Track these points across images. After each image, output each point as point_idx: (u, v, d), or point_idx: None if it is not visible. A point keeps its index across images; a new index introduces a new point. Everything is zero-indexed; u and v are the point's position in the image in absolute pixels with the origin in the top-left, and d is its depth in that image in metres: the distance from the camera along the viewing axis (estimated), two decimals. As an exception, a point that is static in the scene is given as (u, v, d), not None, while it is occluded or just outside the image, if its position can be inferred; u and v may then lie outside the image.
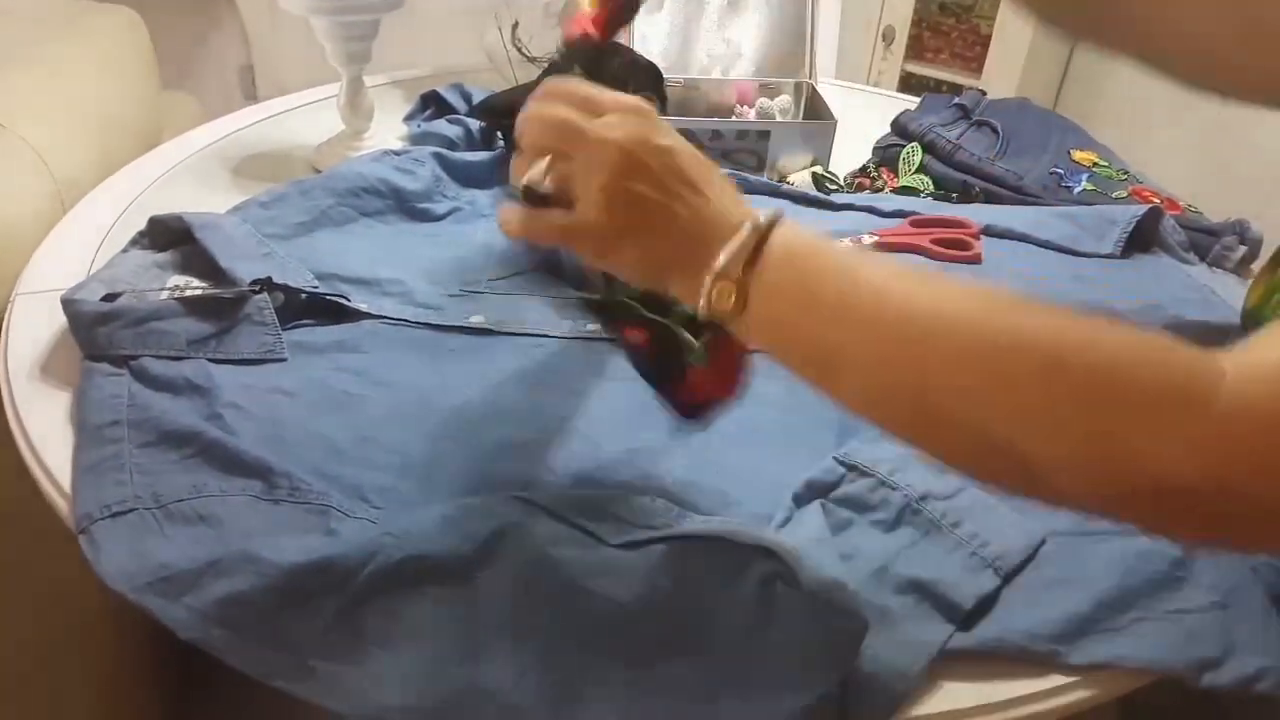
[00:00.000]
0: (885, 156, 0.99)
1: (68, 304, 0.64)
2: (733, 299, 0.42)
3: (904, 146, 0.98)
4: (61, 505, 0.54)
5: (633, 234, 0.44)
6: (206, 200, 0.83)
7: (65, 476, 0.55)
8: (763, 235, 0.43)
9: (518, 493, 0.54)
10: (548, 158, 0.45)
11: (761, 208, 0.44)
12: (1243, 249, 0.84)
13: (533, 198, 0.46)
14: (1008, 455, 0.38)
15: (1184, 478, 0.35)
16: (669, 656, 0.46)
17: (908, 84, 1.98)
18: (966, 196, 0.94)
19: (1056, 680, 0.48)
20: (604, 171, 0.44)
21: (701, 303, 0.43)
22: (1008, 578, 0.51)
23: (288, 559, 0.46)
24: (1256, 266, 0.84)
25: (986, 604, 0.50)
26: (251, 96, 2.04)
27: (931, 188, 0.95)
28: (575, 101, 0.46)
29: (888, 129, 1.03)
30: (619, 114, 0.45)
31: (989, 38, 1.85)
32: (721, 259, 0.42)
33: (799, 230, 0.44)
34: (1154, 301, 0.76)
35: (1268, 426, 0.34)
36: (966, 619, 0.49)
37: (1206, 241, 0.84)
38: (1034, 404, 0.37)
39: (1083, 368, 0.37)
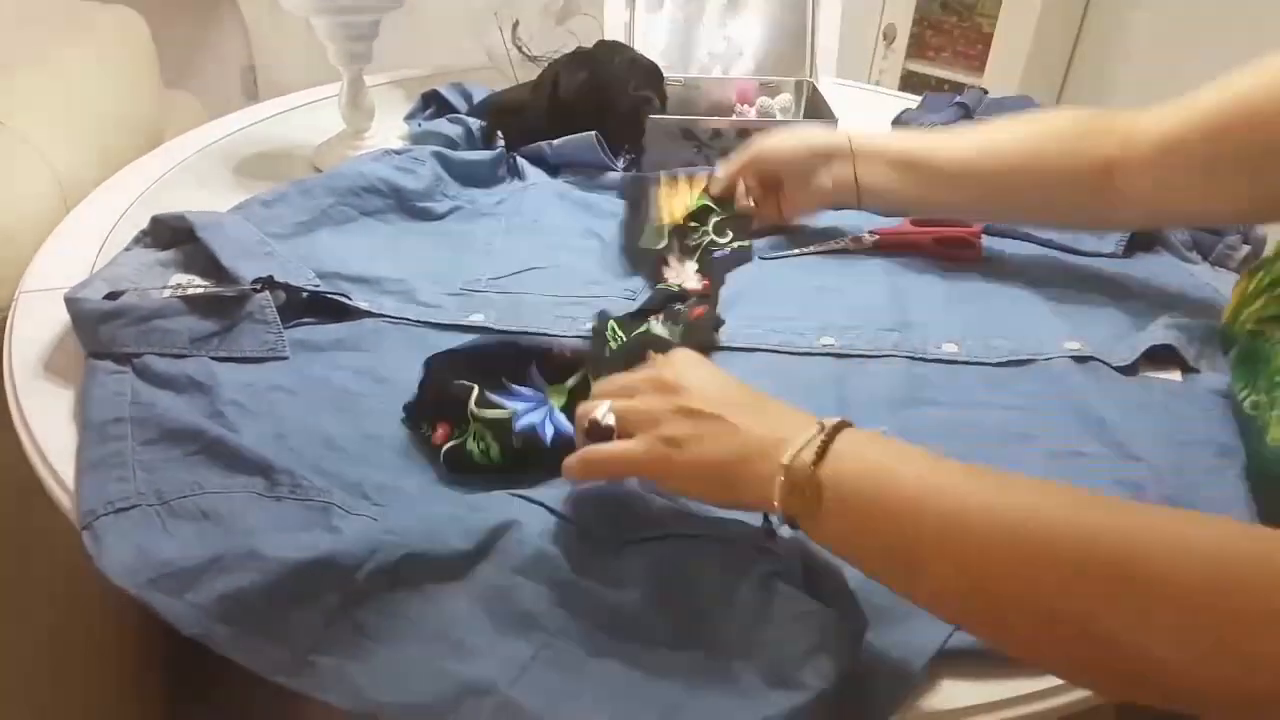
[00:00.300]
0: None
1: (71, 302, 0.65)
2: (805, 494, 0.43)
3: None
4: (65, 501, 0.54)
5: (683, 453, 0.47)
6: (208, 199, 0.83)
7: (69, 473, 0.55)
8: (830, 435, 0.44)
9: (516, 491, 0.54)
10: (609, 401, 0.50)
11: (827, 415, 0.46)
12: (1246, 248, 0.84)
13: (596, 434, 0.50)
14: (1131, 660, 0.37)
15: None
16: (667, 654, 0.46)
17: (909, 83, 1.98)
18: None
19: (1056, 679, 0.48)
20: (647, 411, 0.48)
21: (776, 501, 0.44)
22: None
23: (289, 555, 0.46)
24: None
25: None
26: (253, 96, 2.04)
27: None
28: (615, 391, 0.52)
29: (888, 128, 1.03)
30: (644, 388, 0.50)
31: (991, 36, 1.85)
32: (787, 455, 0.44)
33: (863, 431, 0.45)
34: (1154, 300, 0.76)
35: None
36: (967, 617, 0.49)
37: (1210, 240, 0.84)
38: (1154, 612, 0.36)
39: (1200, 574, 0.36)
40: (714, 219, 0.81)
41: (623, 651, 0.46)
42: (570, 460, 0.50)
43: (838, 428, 0.45)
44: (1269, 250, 0.65)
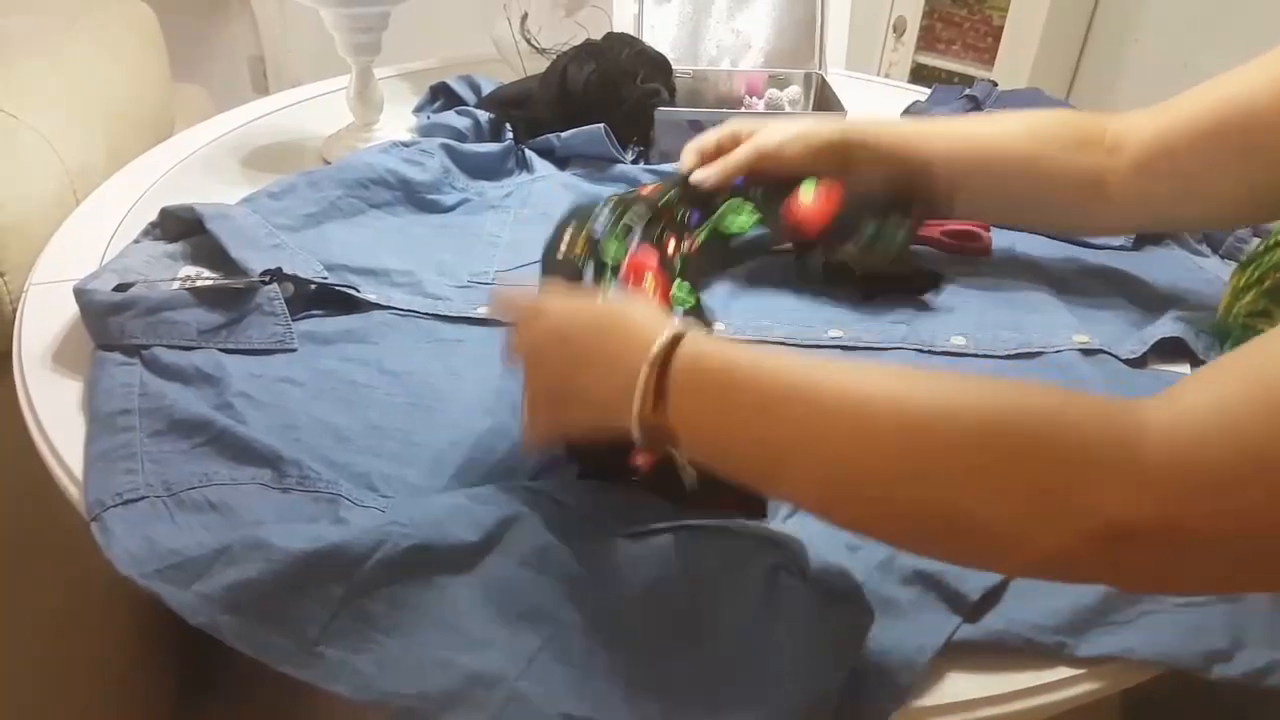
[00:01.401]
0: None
1: (80, 294, 0.65)
2: (651, 405, 0.44)
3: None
4: (73, 492, 0.55)
5: (561, 401, 0.50)
6: (217, 191, 0.84)
7: (77, 464, 0.56)
8: (666, 356, 0.45)
9: (525, 482, 0.54)
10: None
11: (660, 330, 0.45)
12: (1256, 240, 0.83)
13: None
14: (962, 527, 0.39)
15: (1126, 522, 0.36)
16: (674, 647, 0.46)
17: (919, 75, 1.97)
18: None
19: (1063, 673, 0.48)
20: (527, 361, 0.52)
21: (634, 427, 0.45)
22: (1015, 569, 0.51)
23: (296, 546, 0.46)
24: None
25: (993, 595, 0.49)
26: (262, 89, 2.05)
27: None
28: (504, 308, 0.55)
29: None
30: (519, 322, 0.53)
31: (1001, 29, 1.84)
32: (634, 405, 0.44)
33: (701, 340, 0.45)
34: (1164, 293, 0.75)
35: (1197, 468, 0.35)
36: (973, 610, 0.49)
37: (1220, 233, 0.84)
38: (979, 470, 0.38)
39: (1019, 431, 0.38)
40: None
41: (629, 644, 0.46)
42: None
43: (671, 345, 0.45)
44: (1259, 245, 0.65)
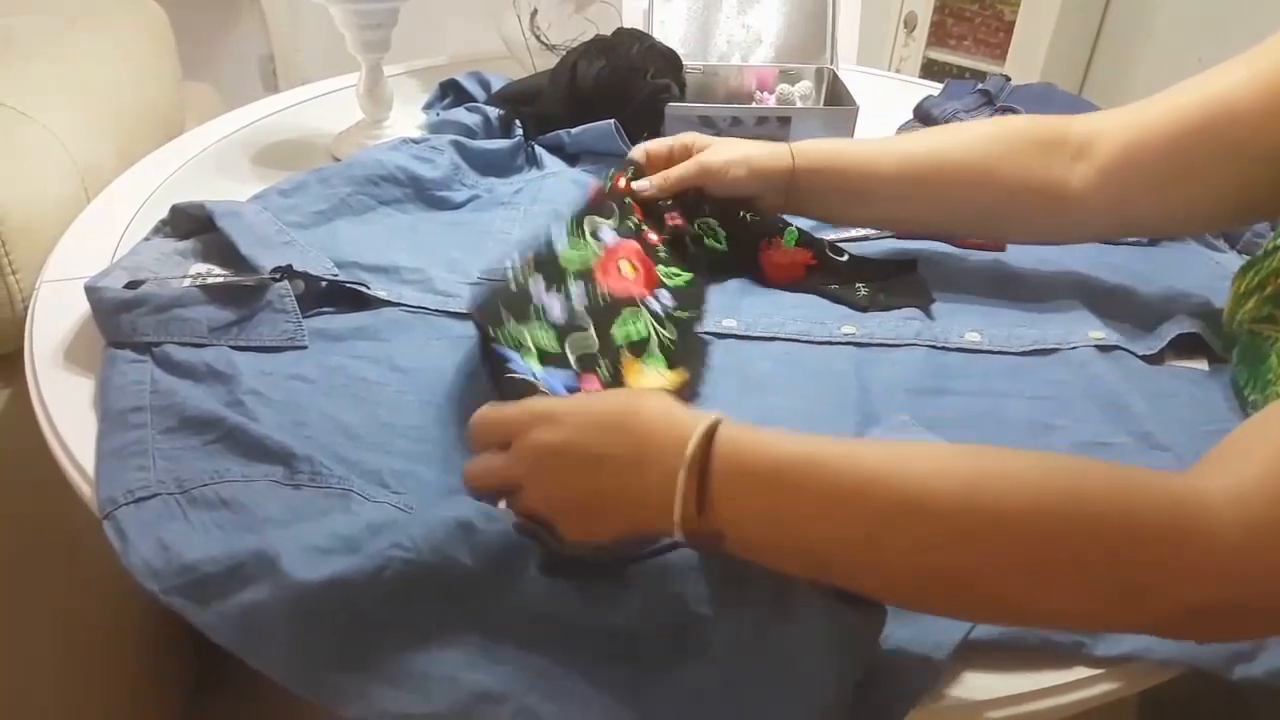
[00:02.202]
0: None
1: (91, 291, 0.65)
2: (694, 510, 0.42)
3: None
4: (85, 490, 0.55)
5: (593, 519, 0.46)
6: (227, 189, 0.84)
7: (89, 462, 0.56)
8: (703, 456, 0.42)
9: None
10: (503, 503, 0.49)
11: (689, 427, 0.43)
12: (1273, 235, 0.82)
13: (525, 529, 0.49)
14: (1042, 619, 0.42)
15: (1204, 607, 0.38)
16: (686, 659, 0.45)
17: (930, 71, 1.96)
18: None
19: (1081, 672, 0.47)
20: (537, 496, 0.47)
21: (677, 532, 0.43)
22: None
23: (304, 577, 0.45)
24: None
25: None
26: (272, 86, 2.05)
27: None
28: (489, 436, 0.50)
29: (909, 115, 1.02)
30: (517, 439, 0.48)
31: (1013, 24, 1.83)
32: (677, 512, 0.42)
33: (735, 434, 0.43)
34: (1180, 289, 0.75)
35: (1267, 550, 0.37)
36: (990, 609, 0.48)
37: (1238, 228, 0.83)
38: (1052, 565, 0.39)
39: (1089, 526, 0.38)
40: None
41: (640, 659, 0.46)
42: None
43: (709, 437, 0.43)
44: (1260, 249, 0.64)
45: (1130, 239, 0.81)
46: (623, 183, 0.75)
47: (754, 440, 0.43)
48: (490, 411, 0.50)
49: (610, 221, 0.71)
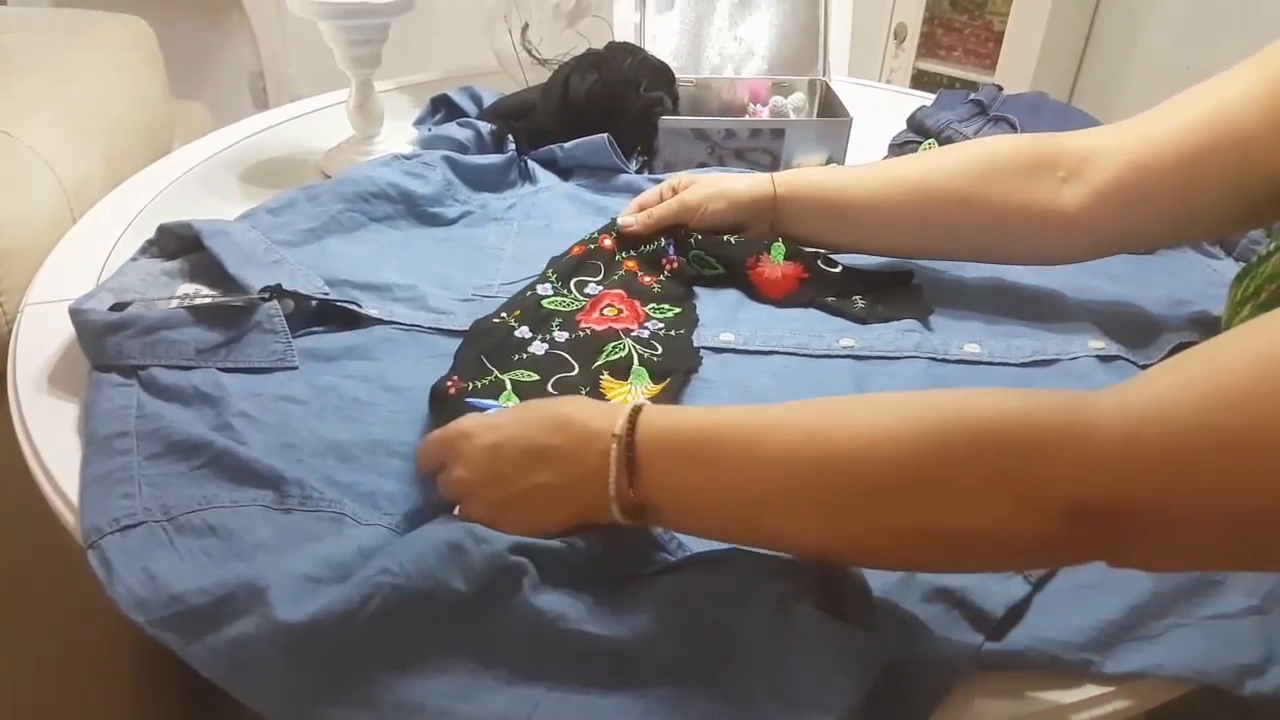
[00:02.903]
0: (902, 154, 0.98)
1: (75, 314, 0.64)
2: (626, 485, 0.46)
3: (920, 143, 0.97)
4: (69, 519, 0.53)
5: (539, 516, 0.49)
6: (216, 208, 0.83)
7: (73, 490, 0.54)
8: (630, 430, 0.46)
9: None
10: (454, 511, 0.51)
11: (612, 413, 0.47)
12: (1268, 242, 0.82)
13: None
14: (945, 538, 0.42)
15: (1086, 501, 0.38)
16: (685, 683, 0.44)
17: (920, 81, 1.97)
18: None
19: (1091, 691, 0.47)
20: (482, 506, 0.49)
21: (614, 509, 0.46)
22: (1039, 584, 0.49)
23: (290, 619, 0.44)
24: None
25: (1017, 612, 0.48)
26: (262, 103, 2.04)
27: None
28: (435, 456, 0.53)
29: (902, 126, 1.01)
30: (451, 458, 0.51)
31: (1002, 34, 1.83)
32: (611, 490, 0.46)
33: (659, 410, 0.47)
34: (1178, 298, 0.74)
35: (1142, 448, 0.38)
36: (996, 628, 0.47)
37: (1234, 236, 0.82)
38: (943, 482, 0.40)
39: (971, 432, 0.40)
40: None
41: (637, 686, 0.44)
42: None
43: (631, 425, 0.46)
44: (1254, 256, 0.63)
45: (1120, 253, 0.81)
46: (608, 243, 0.76)
47: (676, 416, 0.47)
48: (431, 434, 0.53)
49: (596, 278, 0.73)
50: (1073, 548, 0.41)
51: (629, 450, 0.45)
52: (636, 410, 0.47)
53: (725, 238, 0.77)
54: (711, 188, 0.76)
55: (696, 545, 0.50)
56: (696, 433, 0.46)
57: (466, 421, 0.52)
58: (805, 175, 0.76)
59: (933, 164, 0.72)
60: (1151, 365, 0.66)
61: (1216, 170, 0.60)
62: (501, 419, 0.51)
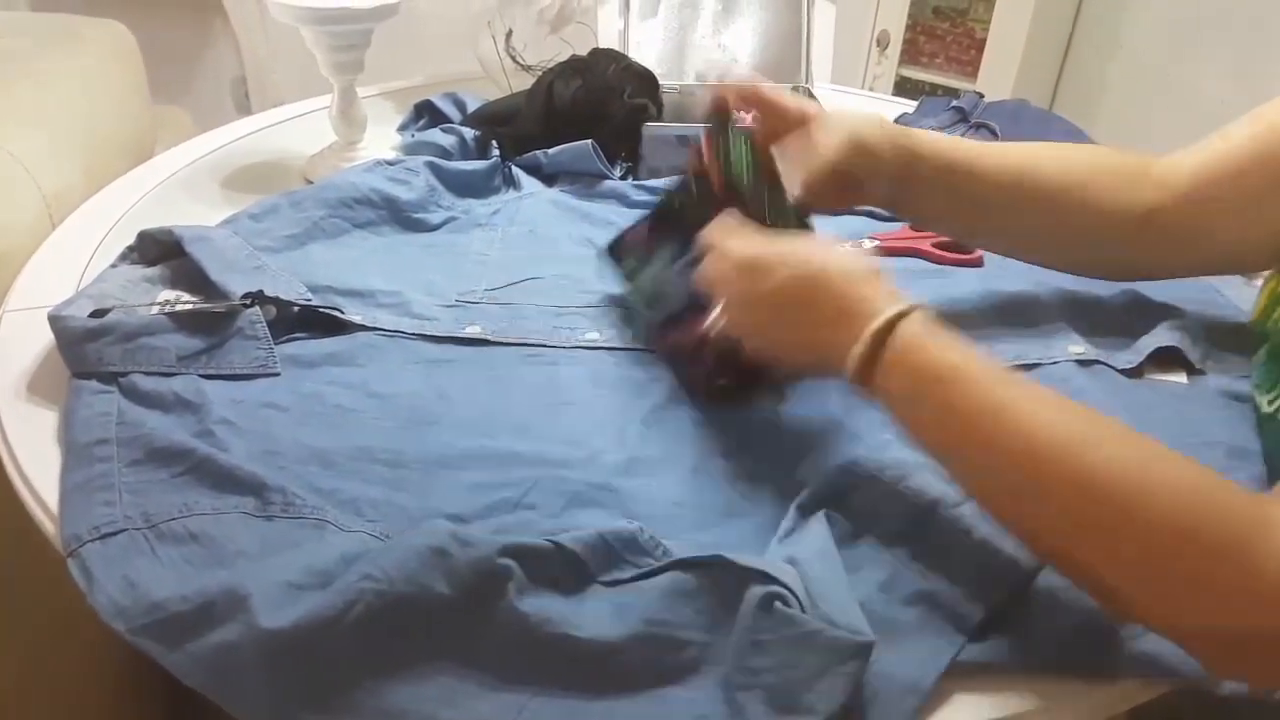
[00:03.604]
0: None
1: (55, 320, 0.63)
2: (862, 371, 0.51)
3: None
4: (49, 527, 0.53)
5: (779, 349, 0.57)
6: (197, 213, 0.82)
7: (53, 498, 0.54)
8: (886, 332, 0.50)
9: (515, 514, 0.53)
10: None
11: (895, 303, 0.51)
12: None
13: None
14: (1088, 575, 0.45)
15: (1242, 630, 0.40)
16: (669, 687, 0.45)
17: (903, 88, 1.98)
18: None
19: (1071, 689, 0.47)
20: (741, 321, 0.58)
21: (848, 375, 0.51)
22: (1020, 587, 0.50)
23: (272, 625, 0.44)
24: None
25: (999, 615, 0.49)
26: (244, 109, 2.03)
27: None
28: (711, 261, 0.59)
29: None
30: (727, 281, 0.58)
31: (984, 41, 1.85)
32: (849, 372, 0.51)
33: (924, 325, 0.50)
34: (1158, 303, 0.75)
35: None
36: (977, 630, 0.48)
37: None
38: (1109, 545, 0.43)
39: (1158, 518, 0.42)
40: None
41: (622, 689, 0.45)
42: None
43: (894, 321, 0.50)
44: None
45: (1208, 271, 0.79)
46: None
47: (934, 337, 0.50)
48: (709, 241, 0.60)
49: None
50: (1215, 655, 0.42)
51: (876, 349, 0.50)
52: (897, 317, 0.50)
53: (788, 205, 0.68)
54: (840, 131, 0.67)
55: (681, 550, 0.50)
56: (946, 371, 0.48)
57: (762, 240, 0.57)
58: (938, 136, 0.71)
59: (1044, 151, 0.72)
60: (1130, 369, 0.67)
61: (1272, 176, 0.62)
62: (779, 259, 0.55)
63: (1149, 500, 0.42)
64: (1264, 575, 0.39)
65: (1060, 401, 0.47)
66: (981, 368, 0.48)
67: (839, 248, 0.57)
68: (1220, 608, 0.40)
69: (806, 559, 0.49)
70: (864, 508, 0.54)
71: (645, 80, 0.96)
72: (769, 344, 0.57)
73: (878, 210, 0.88)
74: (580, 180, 0.91)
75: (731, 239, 0.59)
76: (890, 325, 0.50)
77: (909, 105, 1.11)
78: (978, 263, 0.81)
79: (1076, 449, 0.44)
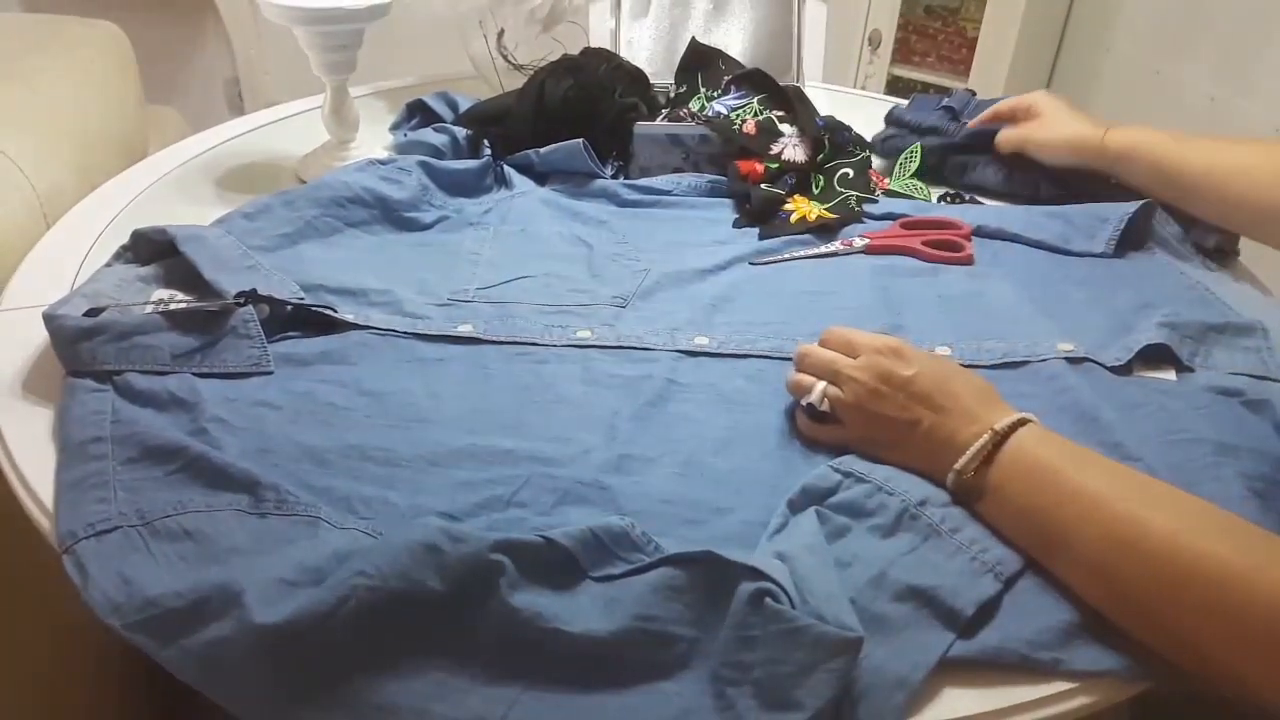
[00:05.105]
0: (885, 149, 1.00)
1: (49, 319, 0.63)
2: (974, 470, 0.53)
3: (903, 137, 0.98)
4: (44, 524, 0.53)
5: (885, 445, 0.57)
6: (191, 213, 0.82)
7: (48, 495, 0.54)
8: (1000, 439, 0.53)
9: (507, 512, 0.54)
10: (823, 384, 0.60)
11: (1009, 414, 0.54)
12: (1216, 236, 0.83)
13: (813, 414, 0.60)
14: (1214, 667, 0.45)
15: (1246, 675, 0.43)
16: (659, 683, 0.45)
17: (895, 88, 1.98)
18: (958, 198, 0.93)
19: (1059, 686, 0.47)
20: (855, 400, 0.58)
21: (951, 477, 0.54)
22: (1009, 583, 0.50)
23: (265, 620, 0.44)
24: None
25: (987, 611, 0.49)
26: (237, 109, 2.03)
27: (930, 196, 0.94)
28: (839, 344, 0.61)
29: (878, 130, 1.03)
30: (868, 354, 0.59)
31: (975, 40, 1.86)
32: (960, 462, 0.53)
33: (1035, 435, 0.53)
34: (1146, 301, 0.75)
35: None
36: (967, 627, 0.48)
37: (1207, 235, 0.84)
38: (1239, 637, 0.44)
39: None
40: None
41: (613, 683, 0.45)
42: (801, 425, 0.61)
43: (1009, 431, 0.53)
44: None
45: (1098, 252, 0.82)
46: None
47: (1040, 451, 0.52)
48: (843, 329, 0.62)
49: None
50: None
51: (995, 449, 0.52)
52: (1020, 422, 0.53)
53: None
54: (1049, 127, 0.88)
55: (672, 546, 0.51)
56: (1054, 479, 0.51)
57: (882, 340, 0.59)
58: (1140, 136, 0.83)
59: (1244, 147, 0.78)
60: (1119, 366, 0.68)
61: None
62: (913, 356, 0.58)
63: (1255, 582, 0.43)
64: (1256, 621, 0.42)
65: (1173, 492, 0.49)
66: (1096, 475, 0.51)
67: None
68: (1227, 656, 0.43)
69: (796, 555, 0.49)
70: (854, 504, 0.54)
71: (636, 79, 0.97)
72: (875, 430, 0.58)
73: (867, 209, 0.88)
74: (572, 179, 0.92)
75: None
76: (1015, 425, 0.53)
77: (901, 104, 1.11)
78: (968, 261, 0.82)
79: (1188, 536, 0.46)
